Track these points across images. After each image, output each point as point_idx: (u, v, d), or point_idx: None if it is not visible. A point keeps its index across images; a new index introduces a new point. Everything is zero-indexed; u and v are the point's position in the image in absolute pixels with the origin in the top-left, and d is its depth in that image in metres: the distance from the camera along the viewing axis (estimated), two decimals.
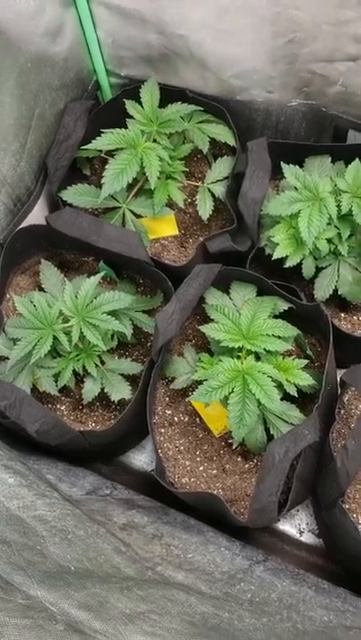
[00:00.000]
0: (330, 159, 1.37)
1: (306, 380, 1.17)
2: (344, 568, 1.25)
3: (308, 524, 1.41)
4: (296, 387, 1.19)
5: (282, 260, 1.28)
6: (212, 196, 1.40)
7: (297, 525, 1.41)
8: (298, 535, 1.41)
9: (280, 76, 1.32)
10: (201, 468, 1.26)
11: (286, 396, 1.20)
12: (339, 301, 1.37)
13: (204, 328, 1.20)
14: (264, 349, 1.17)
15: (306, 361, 1.21)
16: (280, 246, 1.26)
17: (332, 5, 1.14)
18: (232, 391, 1.12)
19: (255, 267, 1.35)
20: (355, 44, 1.19)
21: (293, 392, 1.17)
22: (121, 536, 0.88)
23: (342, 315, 1.39)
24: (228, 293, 1.28)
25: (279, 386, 1.17)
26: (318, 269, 1.32)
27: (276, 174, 1.35)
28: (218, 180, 1.41)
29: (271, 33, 1.23)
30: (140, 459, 1.49)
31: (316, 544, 1.39)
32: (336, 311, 1.40)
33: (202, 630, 0.63)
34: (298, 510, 1.42)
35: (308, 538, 1.40)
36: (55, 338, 1.21)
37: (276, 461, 1.02)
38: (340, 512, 1.10)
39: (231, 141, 1.40)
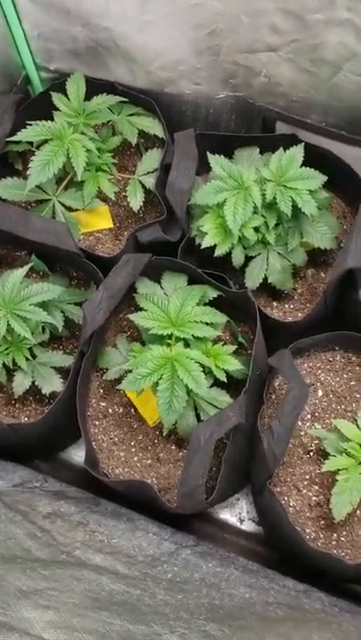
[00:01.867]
0: (258, 150, 1.39)
1: (234, 365, 1.18)
2: (279, 552, 1.26)
3: (248, 512, 1.42)
4: (226, 372, 1.19)
5: (213, 250, 1.29)
6: (144, 187, 1.41)
7: (237, 514, 1.42)
8: (238, 524, 1.41)
9: (205, 68, 1.34)
10: (135, 459, 1.26)
11: (219, 383, 1.20)
12: (270, 290, 1.39)
13: (133, 316, 1.20)
14: (193, 336, 1.17)
15: (234, 347, 1.22)
16: (208, 235, 1.27)
17: None
18: (161, 378, 1.12)
19: (188, 257, 1.36)
20: (273, 34, 1.22)
21: (223, 377, 1.18)
22: (42, 523, 0.87)
23: (274, 303, 1.41)
24: (159, 283, 1.29)
25: (210, 372, 1.18)
26: (248, 259, 1.33)
27: (208, 167, 1.36)
28: (149, 172, 1.41)
29: (193, 24, 1.24)
30: (81, 455, 1.46)
31: (257, 532, 1.40)
32: (268, 300, 1.41)
33: (103, 605, 0.63)
34: (238, 499, 1.43)
35: (248, 526, 1.41)
36: None
37: (202, 444, 1.03)
38: (270, 494, 1.10)
39: (160, 133, 1.41)
